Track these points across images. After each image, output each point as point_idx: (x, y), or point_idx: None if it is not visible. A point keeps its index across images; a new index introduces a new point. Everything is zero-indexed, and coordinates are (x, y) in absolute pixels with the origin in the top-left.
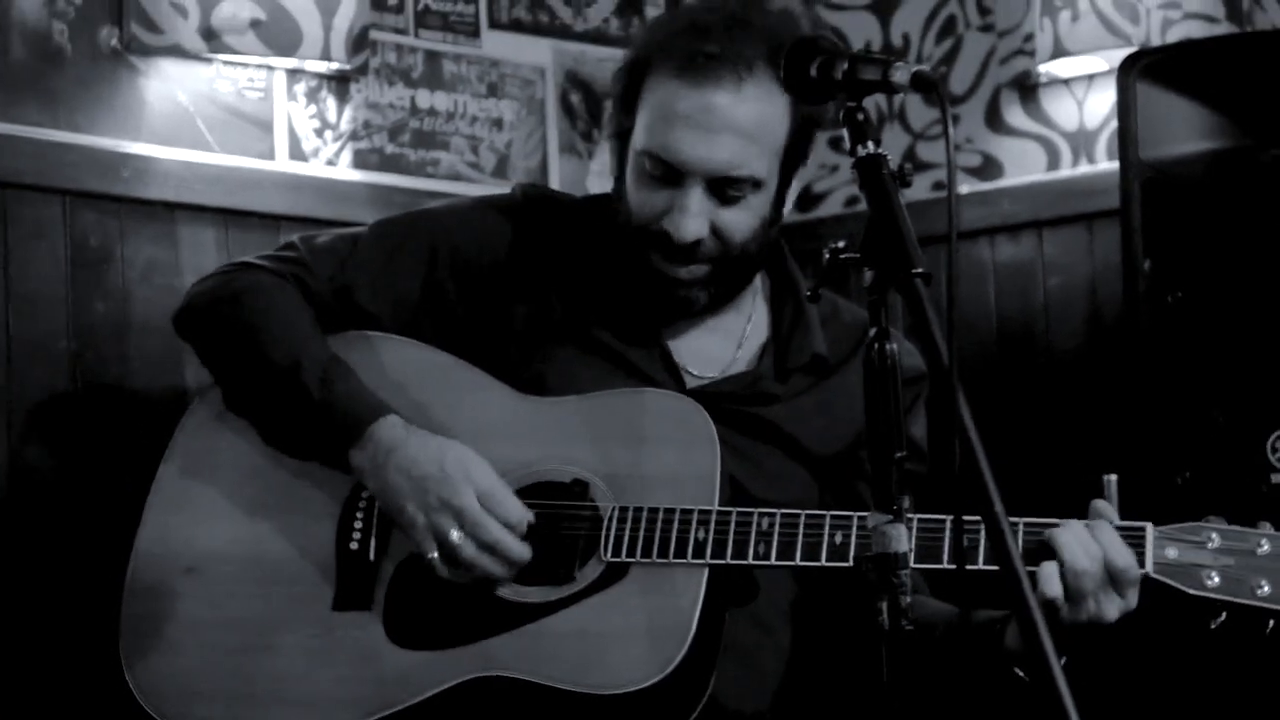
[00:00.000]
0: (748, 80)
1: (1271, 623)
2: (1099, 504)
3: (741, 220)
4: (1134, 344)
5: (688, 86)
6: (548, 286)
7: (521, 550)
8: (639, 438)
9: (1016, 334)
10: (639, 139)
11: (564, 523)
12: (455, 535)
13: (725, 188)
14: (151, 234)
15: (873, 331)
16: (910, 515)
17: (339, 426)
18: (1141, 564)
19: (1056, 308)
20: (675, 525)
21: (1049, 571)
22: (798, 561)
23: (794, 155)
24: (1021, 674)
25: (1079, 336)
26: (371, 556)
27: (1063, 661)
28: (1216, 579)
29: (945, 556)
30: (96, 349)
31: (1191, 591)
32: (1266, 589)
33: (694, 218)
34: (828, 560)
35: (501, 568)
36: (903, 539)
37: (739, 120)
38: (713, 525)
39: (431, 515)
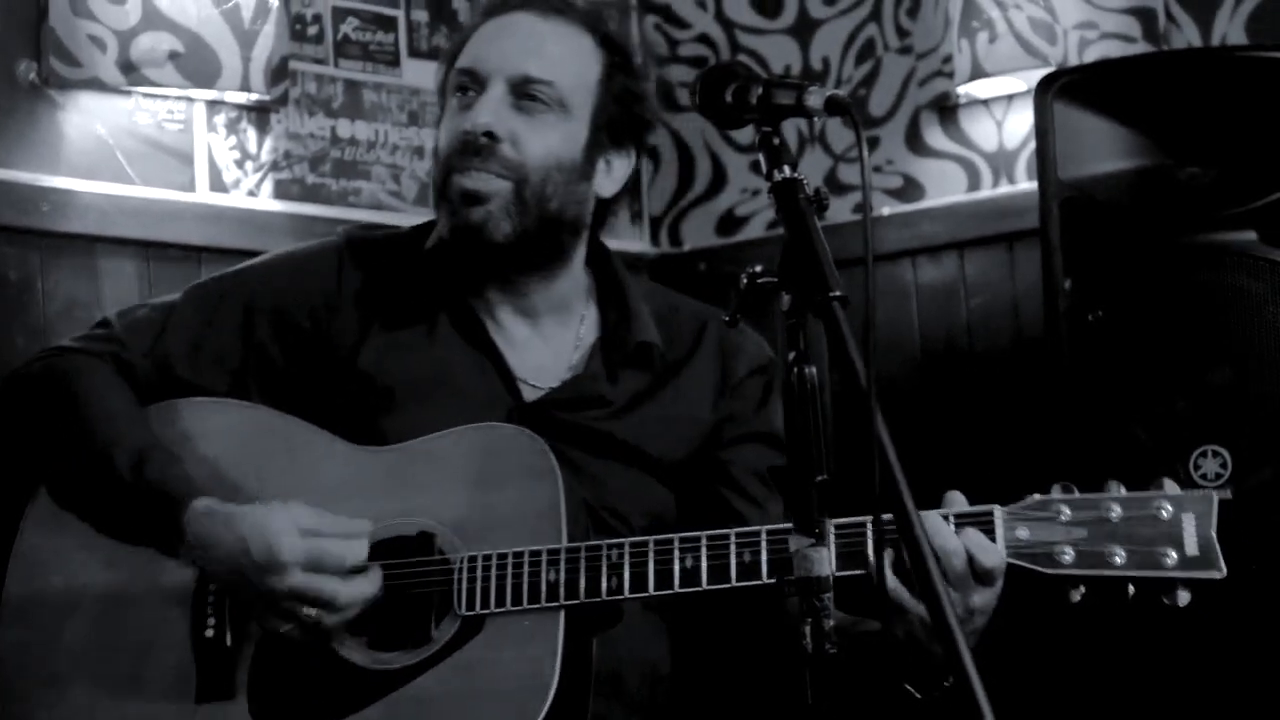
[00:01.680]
0: (555, 18)
1: (1132, 588)
2: (951, 495)
3: (541, 137)
4: (1056, 363)
5: (501, 17)
6: (372, 326)
7: (367, 588)
8: (479, 478)
9: (939, 354)
10: (449, 82)
11: (415, 579)
12: (306, 612)
13: (526, 90)
14: (72, 267)
15: (791, 356)
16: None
17: (155, 518)
18: None
19: (979, 327)
20: (525, 569)
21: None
22: (651, 591)
23: (613, 122)
24: (912, 690)
25: (1002, 356)
26: (229, 641)
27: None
28: (1071, 554)
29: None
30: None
31: (1047, 571)
32: (1122, 556)
33: (487, 108)
34: (681, 586)
35: (356, 607)
36: (825, 562)
37: (543, 36)
38: (562, 565)
39: (266, 604)
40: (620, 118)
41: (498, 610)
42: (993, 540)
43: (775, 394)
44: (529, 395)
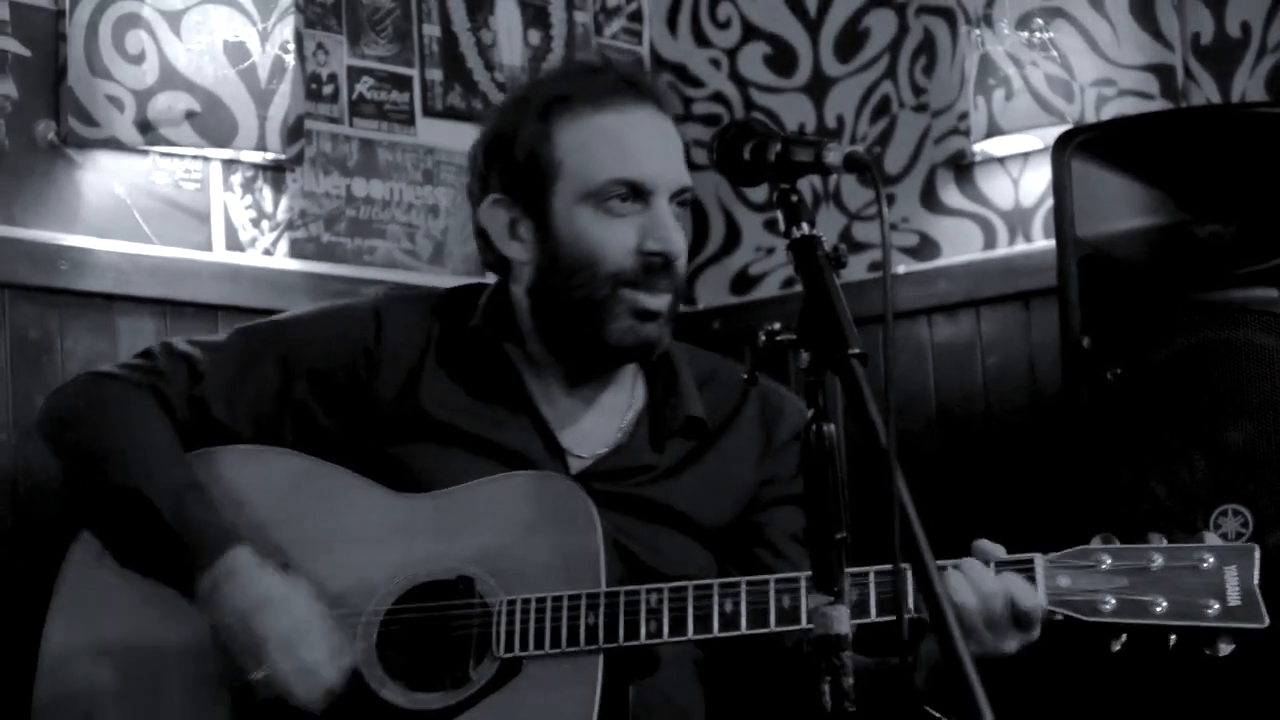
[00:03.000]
0: (663, 110)
1: (1174, 638)
2: (983, 542)
3: (684, 247)
4: (1074, 421)
5: (626, 110)
6: (416, 387)
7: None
8: (518, 525)
9: (956, 413)
10: (587, 177)
11: (454, 622)
12: (257, 674)
13: (679, 203)
14: (90, 326)
15: (810, 413)
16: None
17: (186, 555)
18: None
19: (995, 386)
20: (565, 612)
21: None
22: (690, 635)
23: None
24: (935, 713)
25: (1018, 415)
26: None
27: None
28: (1112, 602)
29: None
30: (37, 443)
31: (1088, 619)
32: (1164, 605)
33: (673, 230)
34: (720, 631)
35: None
36: (844, 620)
37: (674, 136)
38: (602, 608)
39: (241, 648)
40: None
41: (536, 653)
42: (1033, 587)
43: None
44: (575, 466)
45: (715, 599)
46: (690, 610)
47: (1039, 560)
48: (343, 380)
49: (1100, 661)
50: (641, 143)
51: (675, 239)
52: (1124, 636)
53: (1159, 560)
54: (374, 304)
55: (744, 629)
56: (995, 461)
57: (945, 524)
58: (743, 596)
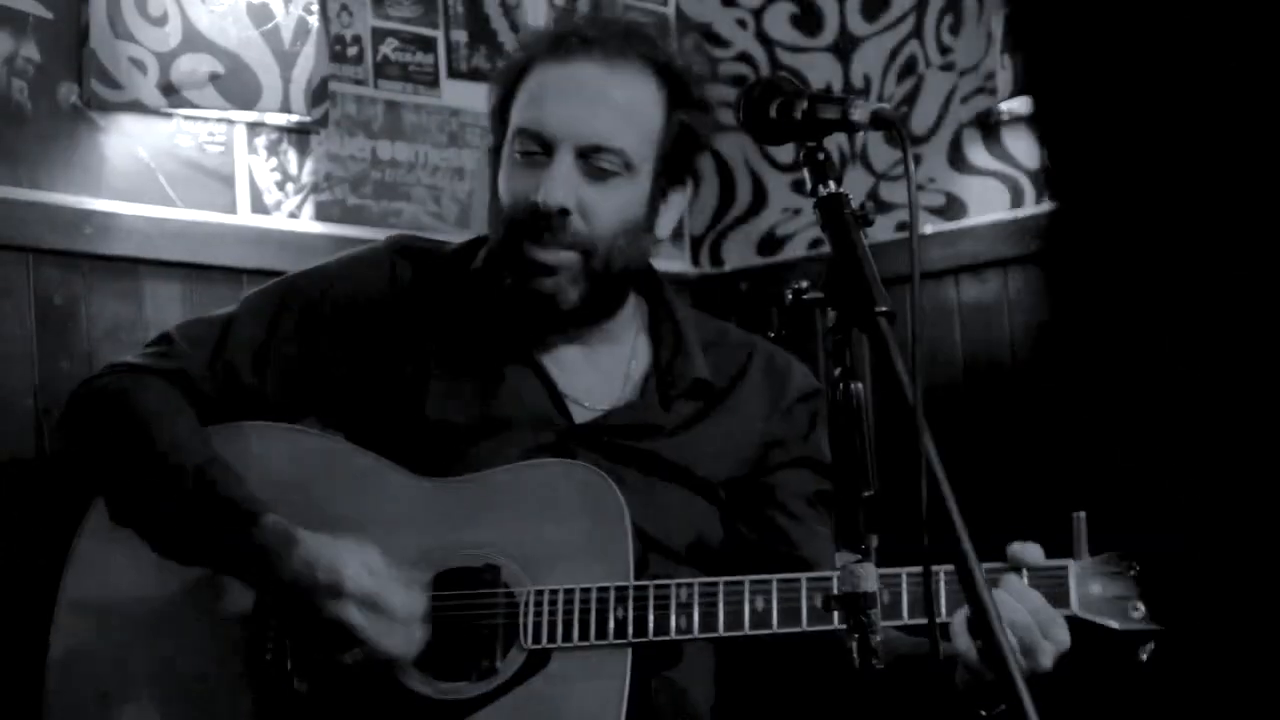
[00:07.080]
0: (619, 63)
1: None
2: (1016, 547)
3: (609, 204)
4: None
5: (558, 63)
6: (425, 335)
7: (413, 640)
8: (545, 514)
9: (982, 373)
10: (509, 130)
11: (480, 611)
12: (353, 651)
13: (594, 159)
14: (116, 290)
15: (837, 371)
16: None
17: (220, 532)
18: (1066, 604)
19: (1022, 346)
20: (593, 605)
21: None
22: (721, 632)
23: (672, 163)
24: (985, 715)
25: (1045, 374)
26: (288, 665)
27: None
28: (1142, 609)
29: (905, 611)
30: (62, 407)
31: (1119, 627)
32: None
33: (561, 183)
34: (752, 629)
35: (402, 643)
36: (871, 578)
37: (609, 92)
38: (631, 602)
39: (318, 629)
40: (678, 155)
41: (564, 645)
42: (1066, 597)
43: (821, 422)
44: (580, 416)
45: (746, 595)
46: (721, 606)
47: (1071, 567)
48: (360, 331)
49: (1130, 674)
50: (556, 94)
51: (553, 191)
52: (1151, 645)
53: None
54: (388, 254)
55: (775, 627)
56: (1022, 421)
57: (972, 485)
58: (774, 594)
